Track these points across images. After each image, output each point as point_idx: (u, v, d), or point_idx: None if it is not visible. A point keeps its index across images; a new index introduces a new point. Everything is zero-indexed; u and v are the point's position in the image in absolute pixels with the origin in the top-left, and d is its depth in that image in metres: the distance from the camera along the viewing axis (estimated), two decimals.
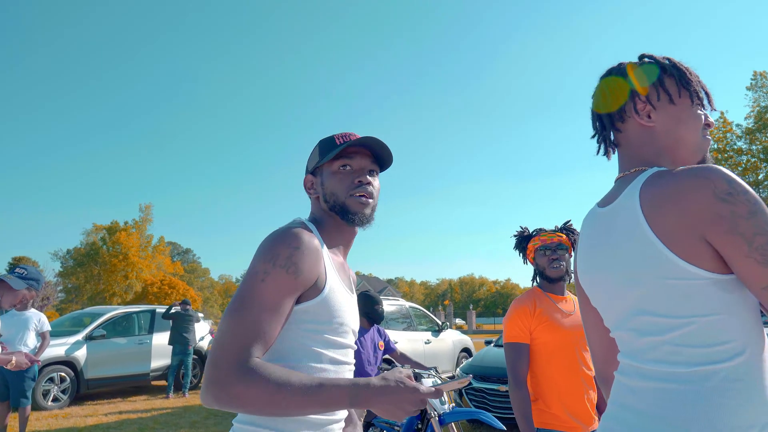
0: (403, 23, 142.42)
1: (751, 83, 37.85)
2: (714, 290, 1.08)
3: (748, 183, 37.58)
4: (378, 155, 1.49)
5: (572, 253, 2.75)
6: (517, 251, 2.89)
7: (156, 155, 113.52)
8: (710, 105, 1.32)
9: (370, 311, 4.74)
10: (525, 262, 2.89)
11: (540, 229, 2.84)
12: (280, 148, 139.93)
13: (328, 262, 1.37)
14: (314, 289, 1.31)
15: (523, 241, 2.86)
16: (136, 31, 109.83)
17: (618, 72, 1.35)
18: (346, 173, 1.44)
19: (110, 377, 9.85)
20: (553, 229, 2.82)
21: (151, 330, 10.71)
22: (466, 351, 12.15)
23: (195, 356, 11.08)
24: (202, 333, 11.59)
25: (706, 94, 1.31)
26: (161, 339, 10.61)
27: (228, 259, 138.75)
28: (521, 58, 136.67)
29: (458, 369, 8.05)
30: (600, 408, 2.68)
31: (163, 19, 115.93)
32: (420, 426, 4.33)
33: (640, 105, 1.29)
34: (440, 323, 11.49)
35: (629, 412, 1.17)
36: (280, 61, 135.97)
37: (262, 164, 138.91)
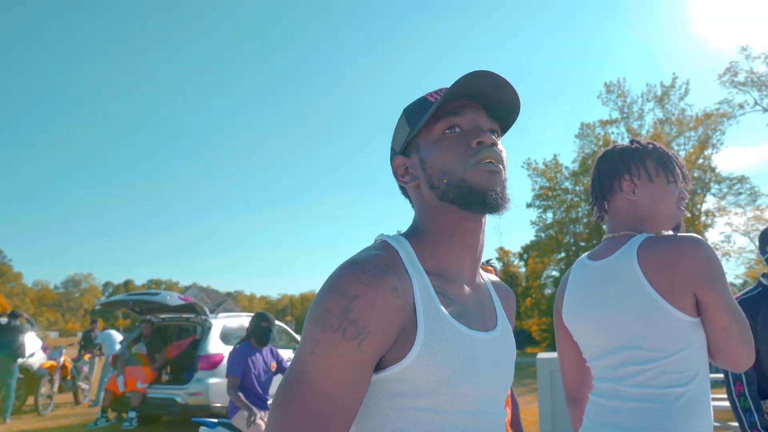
0: (259, 34, 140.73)
1: (578, 132, 42.66)
2: (691, 330, 1.43)
3: (570, 219, 42.08)
4: (495, 108, 1.01)
5: None
6: None
7: None
8: (686, 182, 1.62)
9: (255, 330, 4.60)
10: None
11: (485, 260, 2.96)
12: (109, 149, 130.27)
13: (425, 294, 0.91)
14: (402, 344, 0.88)
15: None
16: None
17: (611, 154, 1.69)
18: (455, 137, 0.97)
19: None
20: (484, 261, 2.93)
21: None
22: None
23: (21, 375, 9.54)
24: (33, 348, 10.07)
25: (683, 173, 1.62)
26: None
27: (47, 265, 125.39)
28: (375, 73, 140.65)
29: None
30: (513, 424, 2.90)
31: None
32: None
33: (625, 183, 1.60)
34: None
35: (612, 428, 1.43)
36: (92, 63, 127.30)
37: (88, 163, 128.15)
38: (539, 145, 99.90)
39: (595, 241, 40.87)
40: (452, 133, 0.97)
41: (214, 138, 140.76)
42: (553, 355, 4.49)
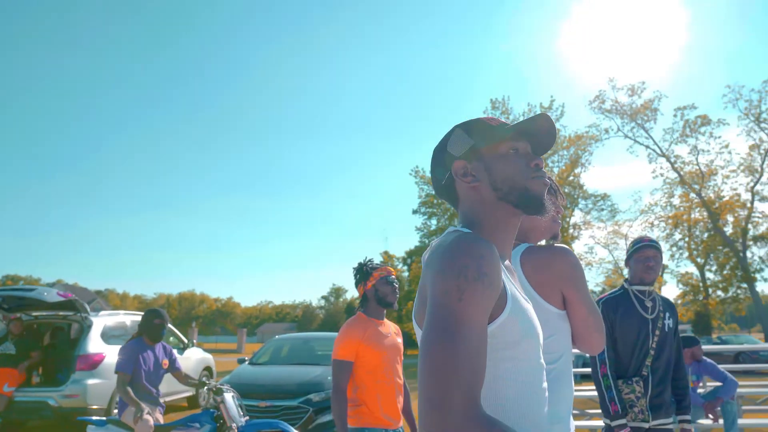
0: (149, 35, 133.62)
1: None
2: (559, 320, 1.79)
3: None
4: (539, 147, 1.32)
5: None
6: (360, 278, 3.21)
7: None
8: (561, 199, 2.07)
9: (148, 327, 4.61)
10: (360, 286, 3.22)
11: (381, 263, 3.28)
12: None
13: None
14: (500, 302, 1.10)
15: (369, 270, 3.19)
16: None
17: None
18: (518, 156, 1.24)
19: None
20: (388, 263, 3.27)
21: None
22: (208, 370, 11.85)
23: None
24: None
25: (558, 192, 2.05)
26: None
27: None
28: (263, 76, 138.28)
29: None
30: (404, 411, 3.27)
31: None
32: None
33: None
34: (186, 341, 11.05)
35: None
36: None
37: None
38: (428, 153, 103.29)
39: None
40: (515, 153, 1.24)
41: (90, 139, 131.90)
42: None
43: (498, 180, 1.22)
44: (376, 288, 3.16)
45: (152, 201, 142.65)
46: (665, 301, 3.09)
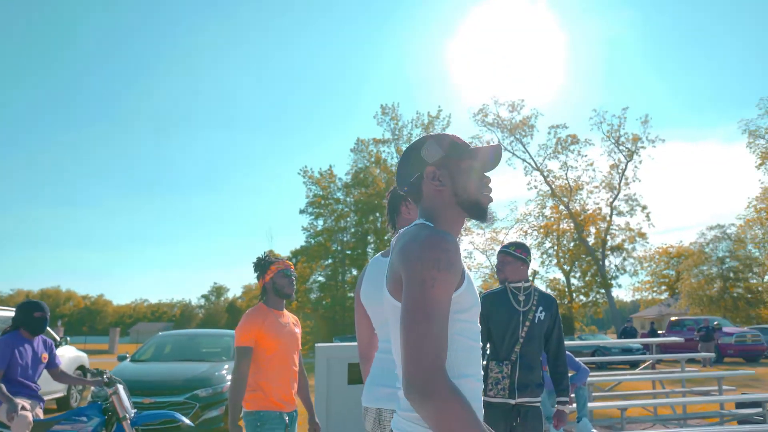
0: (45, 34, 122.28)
1: (354, 147, 45.21)
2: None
3: (340, 228, 44.27)
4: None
5: None
6: (259, 271, 3.44)
7: None
8: None
9: (26, 319, 4.42)
10: (260, 279, 3.46)
11: (278, 257, 3.54)
12: None
13: None
14: (460, 279, 1.39)
15: (266, 263, 3.42)
16: None
17: (395, 190, 2.41)
18: (476, 172, 1.53)
19: None
20: (286, 258, 3.54)
21: None
22: (81, 369, 11.31)
23: None
24: None
25: None
26: None
27: None
28: (160, 73, 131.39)
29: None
30: (301, 394, 3.57)
31: None
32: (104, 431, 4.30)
33: (403, 208, 2.37)
34: (58, 338, 10.48)
35: (390, 372, 2.07)
36: None
37: None
38: (317, 154, 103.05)
39: (360, 250, 43.77)
40: (473, 170, 1.52)
41: None
42: (330, 344, 5.20)
43: (459, 189, 1.51)
44: (274, 280, 3.41)
45: (10, 193, 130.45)
46: (544, 297, 3.50)
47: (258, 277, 3.49)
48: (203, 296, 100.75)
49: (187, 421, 4.52)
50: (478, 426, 1.21)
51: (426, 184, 1.54)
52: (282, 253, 56.31)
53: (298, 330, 3.55)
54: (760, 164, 41.19)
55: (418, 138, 1.64)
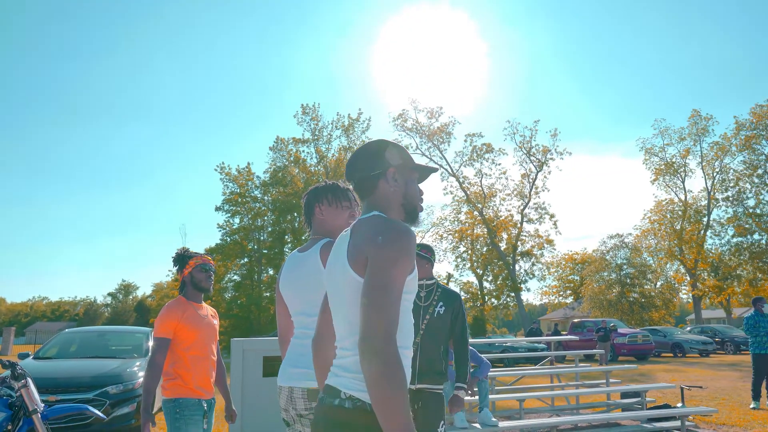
0: None
1: (273, 145, 44.69)
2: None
3: (256, 227, 43.60)
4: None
5: None
6: (178, 265, 3.58)
7: None
8: (356, 205, 2.55)
9: None
10: (179, 273, 3.59)
11: (196, 252, 3.68)
12: None
13: None
14: (411, 265, 1.63)
15: (185, 258, 3.56)
16: None
17: (311, 191, 2.63)
18: (416, 183, 1.84)
19: None
20: (206, 251, 3.68)
21: None
22: None
23: None
24: None
25: (352, 200, 2.55)
26: None
27: None
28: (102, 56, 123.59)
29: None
30: (219, 382, 3.72)
31: None
32: (11, 427, 4.22)
33: (317, 209, 2.56)
34: None
35: (304, 356, 2.26)
36: None
37: None
38: (235, 151, 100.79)
39: (276, 250, 43.25)
40: (415, 180, 1.83)
41: None
42: (245, 339, 5.32)
43: (407, 193, 1.80)
44: (192, 274, 3.56)
45: None
46: (446, 293, 3.77)
47: (177, 271, 3.62)
48: (110, 294, 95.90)
49: (99, 413, 4.51)
50: (405, 394, 1.40)
51: (384, 182, 1.78)
52: (196, 251, 54.62)
53: (216, 322, 3.69)
54: (654, 179, 44.50)
55: (377, 140, 1.88)
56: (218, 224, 43.59)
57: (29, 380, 4.33)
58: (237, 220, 43.69)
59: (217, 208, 43.20)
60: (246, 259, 43.65)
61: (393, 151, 1.80)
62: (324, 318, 1.90)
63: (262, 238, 44.02)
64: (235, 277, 44.20)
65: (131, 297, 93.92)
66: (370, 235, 1.60)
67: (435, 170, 1.86)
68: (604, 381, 8.79)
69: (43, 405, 4.38)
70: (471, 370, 5.71)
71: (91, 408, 4.54)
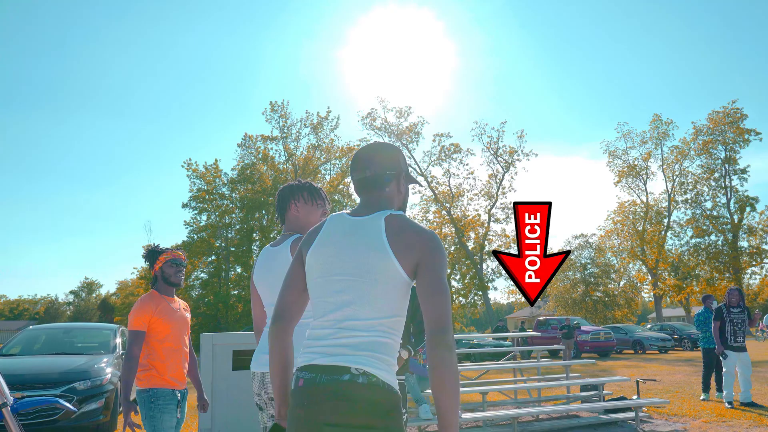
0: None
1: (241, 142, 44.31)
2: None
3: (224, 224, 43.16)
4: None
5: None
6: (149, 260, 3.69)
7: None
8: (327, 204, 2.73)
9: None
10: (151, 269, 3.70)
11: (166, 247, 3.80)
12: None
13: None
14: None
15: (156, 253, 3.67)
16: None
17: (284, 189, 2.76)
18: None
19: None
20: (174, 247, 3.79)
21: None
22: None
23: None
24: None
25: (325, 198, 2.74)
26: None
27: None
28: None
29: None
30: (191, 373, 3.81)
31: None
32: None
33: (292, 206, 2.71)
34: None
35: None
36: None
37: None
38: (201, 147, 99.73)
39: (245, 248, 42.85)
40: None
41: None
42: (215, 333, 5.43)
43: (405, 199, 1.95)
44: (163, 269, 3.68)
45: None
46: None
47: (149, 266, 3.74)
48: (72, 292, 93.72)
49: (69, 406, 4.56)
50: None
51: (395, 183, 1.87)
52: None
53: (188, 315, 3.83)
54: (618, 181, 45.65)
55: (390, 143, 2.06)
56: (185, 221, 43.00)
57: None
58: (204, 218, 43.11)
59: (184, 205, 42.58)
60: (213, 257, 43.11)
61: (403, 158, 1.94)
62: (291, 298, 1.83)
63: (229, 235, 43.59)
64: (202, 275, 43.65)
65: (94, 295, 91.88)
66: (426, 238, 1.68)
67: (417, 183, 2.05)
68: (565, 375, 9.12)
69: (12, 398, 4.39)
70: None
71: (61, 401, 4.57)
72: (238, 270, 42.96)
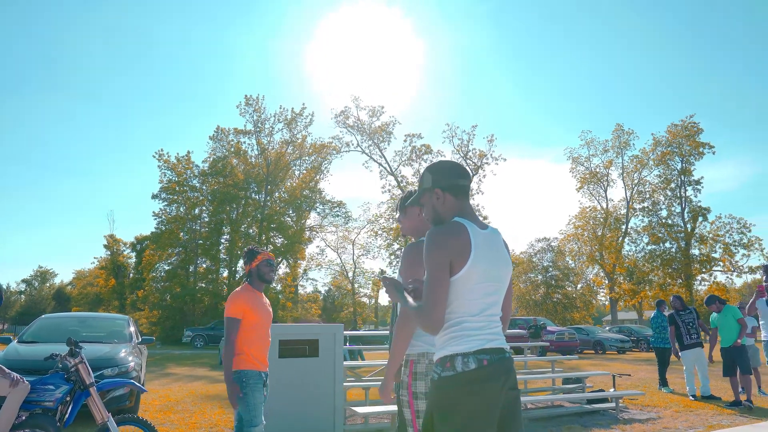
0: None
1: (213, 134, 44.16)
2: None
3: (193, 216, 42.88)
4: None
5: None
6: (247, 259, 4.29)
7: None
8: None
9: None
10: (247, 265, 4.29)
11: (263, 249, 4.39)
12: None
13: None
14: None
15: (254, 253, 4.28)
16: None
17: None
18: None
19: None
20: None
21: None
22: None
23: None
24: None
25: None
26: None
27: None
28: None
29: None
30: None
31: None
32: (69, 398, 4.68)
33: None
34: None
35: None
36: None
37: None
38: (175, 138, 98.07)
39: (212, 240, 42.48)
40: None
41: None
42: None
43: (447, 209, 2.30)
44: (259, 267, 4.24)
45: None
46: None
47: (245, 264, 4.31)
48: (24, 281, 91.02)
49: (142, 387, 5.09)
50: None
51: (428, 197, 2.31)
52: (124, 238, 52.98)
53: (270, 309, 4.42)
54: (580, 187, 47.40)
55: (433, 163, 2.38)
56: (154, 212, 42.59)
57: (84, 357, 4.78)
58: (174, 209, 42.69)
59: (154, 196, 42.19)
60: (180, 249, 42.69)
61: (444, 172, 2.33)
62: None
63: (198, 228, 43.32)
64: (166, 266, 43.19)
65: (48, 285, 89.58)
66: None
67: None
68: (550, 369, 10.00)
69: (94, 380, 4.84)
70: None
71: (136, 383, 5.10)
72: (207, 263, 42.74)
